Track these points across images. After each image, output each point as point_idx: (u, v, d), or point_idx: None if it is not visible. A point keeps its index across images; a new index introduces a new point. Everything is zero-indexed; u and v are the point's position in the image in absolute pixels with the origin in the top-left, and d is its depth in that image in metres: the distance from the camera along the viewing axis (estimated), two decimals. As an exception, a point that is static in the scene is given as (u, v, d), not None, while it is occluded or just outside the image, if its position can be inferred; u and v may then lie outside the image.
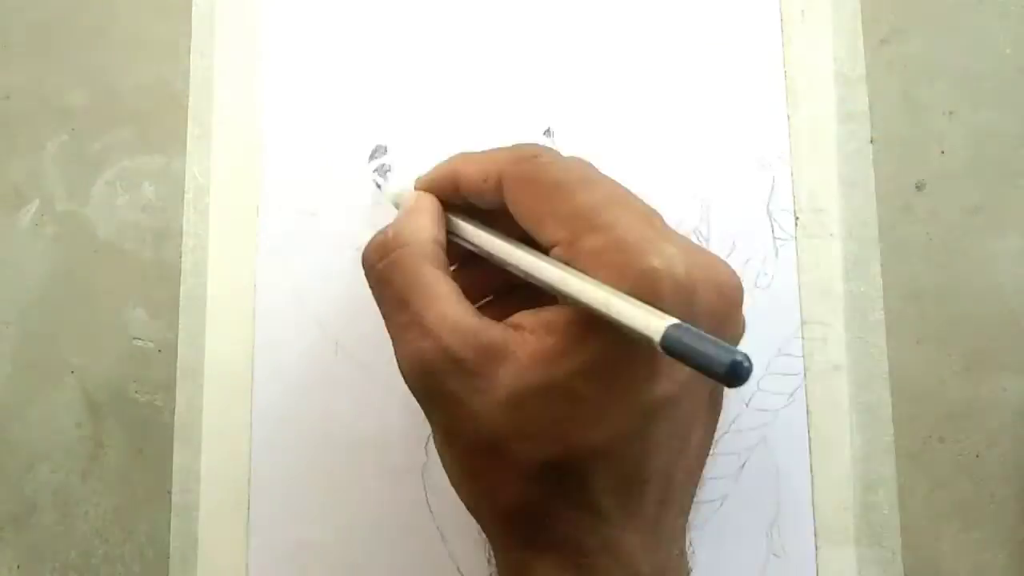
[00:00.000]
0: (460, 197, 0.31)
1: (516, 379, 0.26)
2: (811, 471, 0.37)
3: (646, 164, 0.39)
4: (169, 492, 0.38)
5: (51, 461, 0.39)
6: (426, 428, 0.38)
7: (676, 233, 0.28)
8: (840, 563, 0.36)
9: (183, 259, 0.40)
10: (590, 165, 0.30)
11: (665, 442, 0.27)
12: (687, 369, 0.26)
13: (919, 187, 0.38)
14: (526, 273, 0.29)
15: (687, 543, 0.30)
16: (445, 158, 0.33)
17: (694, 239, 0.38)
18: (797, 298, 0.38)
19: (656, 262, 0.25)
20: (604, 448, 0.26)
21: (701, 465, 0.30)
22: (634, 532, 0.27)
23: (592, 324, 0.26)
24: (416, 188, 0.33)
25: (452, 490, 0.37)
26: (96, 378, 0.40)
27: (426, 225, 0.30)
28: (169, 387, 0.39)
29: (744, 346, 0.37)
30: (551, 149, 0.30)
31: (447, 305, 0.28)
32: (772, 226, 0.38)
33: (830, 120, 0.39)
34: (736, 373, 0.21)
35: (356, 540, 0.37)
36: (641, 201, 0.29)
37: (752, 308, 0.37)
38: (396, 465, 0.38)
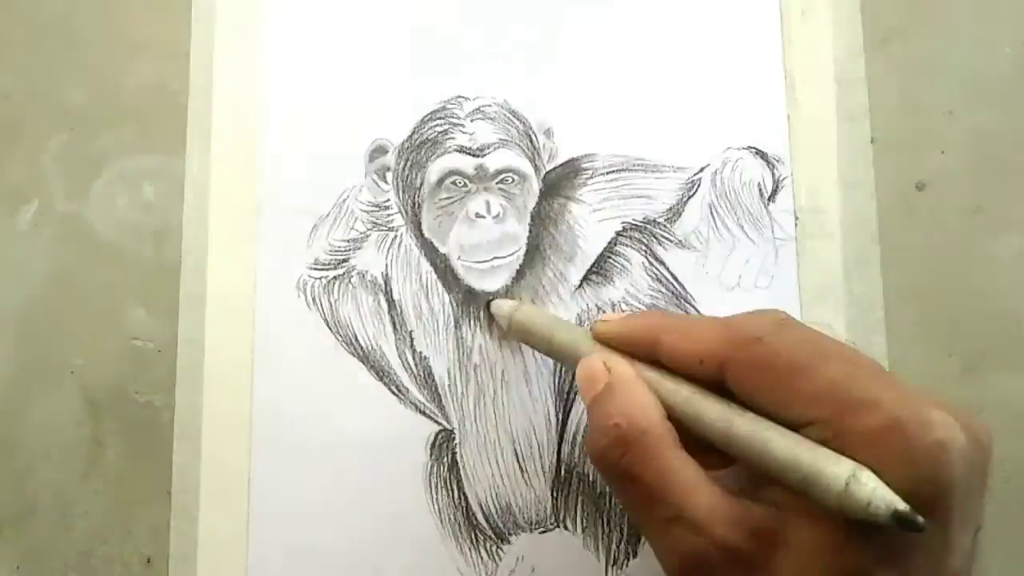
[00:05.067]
0: (654, 363, 0.29)
1: (806, 569, 0.24)
2: (811, 471, 0.37)
3: (646, 164, 0.39)
4: (169, 492, 0.38)
5: (51, 461, 0.39)
6: (426, 428, 0.38)
7: (914, 387, 0.26)
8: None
9: (183, 259, 0.40)
10: (818, 335, 0.28)
11: None
12: (970, 536, 0.25)
13: (919, 187, 0.38)
14: (760, 458, 0.26)
15: None
16: (637, 315, 0.31)
17: (694, 239, 0.38)
18: (797, 298, 0.38)
19: (940, 434, 0.24)
20: None
21: None
22: None
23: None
24: (596, 337, 0.31)
25: (452, 490, 0.37)
26: (96, 378, 0.40)
27: (650, 403, 0.28)
28: (169, 387, 0.39)
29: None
30: (777, 324, 0.28)
31: (707, 493, 0.26)
32: (772, 226, 0.38)
33: (830, 120, 0.39)
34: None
35: (356, 540, 0.37)
36: (865, 356, 0.27)
37: (752, 308, 0.38)
38: (396, 465, 0.38)
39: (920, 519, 0.23)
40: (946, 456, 0.23)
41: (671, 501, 0.26)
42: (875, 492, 0.23)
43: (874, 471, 0.23)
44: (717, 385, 0.28)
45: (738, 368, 0.27)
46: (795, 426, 0.26)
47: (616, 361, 0.30)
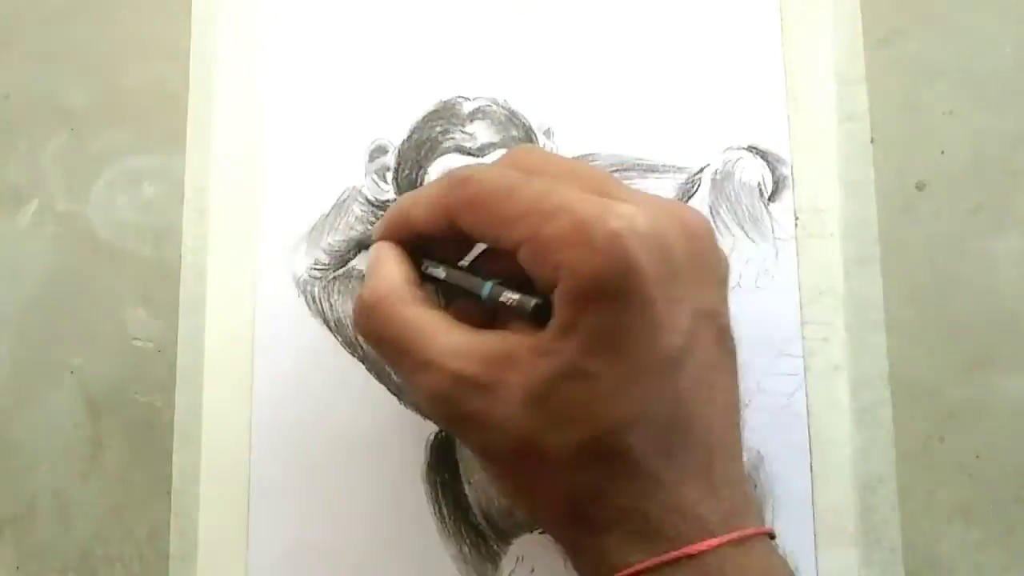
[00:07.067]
0: (418, 237, 0.32)
1: (527, 377, 0.27)
2: (811, 471, 0.37)
3: (646, 164, 0.39)
4: (169, 492, 0.38)
5: (51, 461, 0.39)
6: (426, 428, 0.38)
7: (633, 190, 0.29)
8: (840, 563, 0.36)
9: (183, 259, 0.40)
10: (529, 151, 0.31)
11: (692, 393, 0.27)
12: (688, 315, 0.27)
13: (919, 187, 0.38)
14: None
15: (751, 486, 0.30)
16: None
17: (694, 239, 0.38)
18: (797, 298, 0.38)
19: (615, 224, 0.26)
20: (633, 415, 0.26)
21: (736, 408, 0.30)
22: (691, 485, 0.27)
23: (577, 303, 0.26)
24: (374, 238, 0.34)
25: (452, 490, 0.37)
26: (96, 378, 0.40)
27: (393, 271, 0.31)
28: (169, 387, 0.39)
29: (744, 346, 0.37)
30: (480, 165, 0.31)
31: (442, 335, 0.29)
32: (772, 226, 0.38)
33: (830, 120, 0.39)
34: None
35: (356, 540, 0.37)
36: (589, 167, 0.30)
37: (752, 308, 0.38)
38: (396, 465, 0.38)
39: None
40: (621, 242, 0.26)
41: (411, 351, 0.29)
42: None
43: (568, 270, 0.26)
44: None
45: (458, 211, 0.30)
46: (512, 251, 0.28)
47: (380, 245, 0.33)
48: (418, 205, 0.32)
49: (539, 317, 0.28)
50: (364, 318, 0.31)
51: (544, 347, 0.27)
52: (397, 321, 0.30)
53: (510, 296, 0.29)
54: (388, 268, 0.31)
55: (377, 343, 0.31)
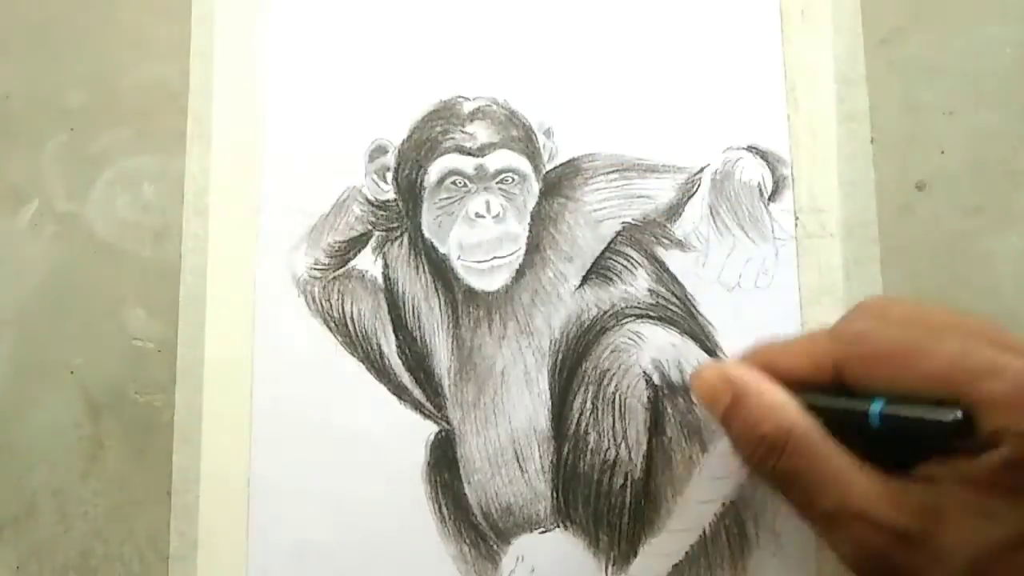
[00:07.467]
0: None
1: (967, 541, 0.25)
2: (811, 471, 0.36)
3: (646, 164, 0.39)
4: (169, 492, 0.38)
5: (51, 461, 0.39)
6: (426, 428, 0.38)
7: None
8: (840, 564, 0.36)
9: (183, 259, 0.40)
10: (890, 303, 0.30)
11: None
12: None
13: (919, 187, 0.38)
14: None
15: None
16: (748, 352, 0.32)
17: (694, 239, 0.38)
18: (797, 298, 0.38)
19: None
20: None
21: None
22: None
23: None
24: (727, 381, 0.31)
25: (452, 490, 0.37)
26: (96, 378, 0.40)
27: (784, 398, 0.29)
28: (169, 387, 0.39)
29: (744, 347, 0.37)
30: (858, 320, 0.30)
31: (864, 478, 0.27)
32: (772, 226, 0.38)
33: (830, 120, 0.39)
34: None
35: (356, 540, 0.37)
36: (968, 316, 0.28)
37: (752, 308, 0.38)
38: (396, 465, 0.38)
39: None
40: None
41: (831, 492, 0.27)
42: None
43: (1013, 432, 0.24)
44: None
45: (851, 366, 0.28)
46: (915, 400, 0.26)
47: (736, 369, 0.30)
48: (788, 355, 0.30)
49: (956, 434, 0.25)
50: (774, 456, 0.28)
51: (984, 507, 0.25)
52: (812, 457, 0.27)
53: (918, 412, 0.26)
54: (777, 396, 0.29)
55: (788, 481, 0.28)
